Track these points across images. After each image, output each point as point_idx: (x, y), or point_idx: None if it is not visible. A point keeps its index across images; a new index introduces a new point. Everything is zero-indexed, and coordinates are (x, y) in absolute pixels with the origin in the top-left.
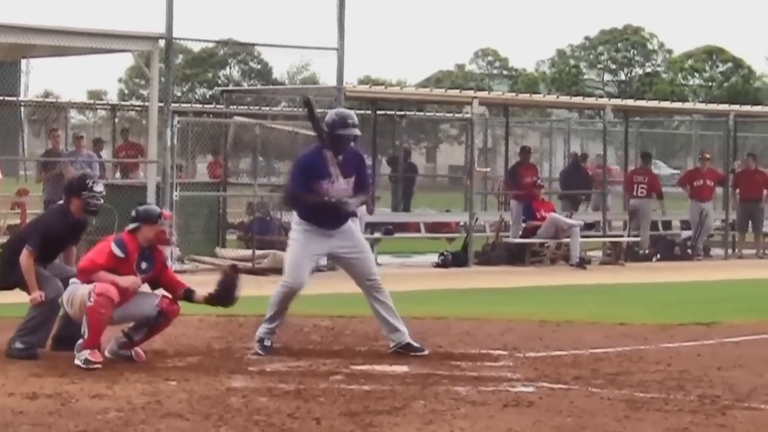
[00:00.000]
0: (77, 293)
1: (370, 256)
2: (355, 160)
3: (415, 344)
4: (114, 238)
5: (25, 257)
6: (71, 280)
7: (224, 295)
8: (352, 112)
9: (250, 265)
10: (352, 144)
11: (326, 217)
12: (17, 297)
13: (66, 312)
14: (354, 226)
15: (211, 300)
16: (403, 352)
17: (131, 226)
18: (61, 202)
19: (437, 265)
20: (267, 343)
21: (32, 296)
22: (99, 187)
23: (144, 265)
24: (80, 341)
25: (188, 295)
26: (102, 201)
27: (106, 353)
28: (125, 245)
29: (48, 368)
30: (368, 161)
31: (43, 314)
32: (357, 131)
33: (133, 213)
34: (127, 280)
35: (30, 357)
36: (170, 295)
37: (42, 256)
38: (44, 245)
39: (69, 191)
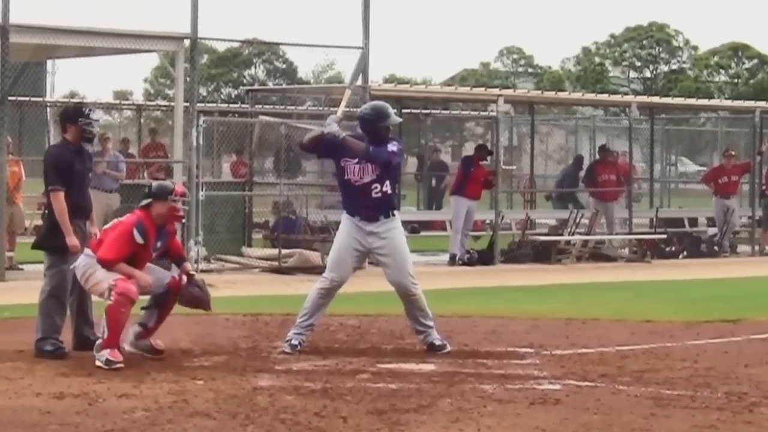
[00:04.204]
0: (95, 274)
1: (400, 260)
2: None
3: (438, 342)
4: (135, 221)
5: (54, 199)
6: (86, 251)
7: (191, 302)
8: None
9: (276, 264)
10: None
11: (363, 208)
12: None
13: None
14: (394, 224)
15: (182, 294)
16: (429, 350)
17: (144, 202)
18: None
19: (463, 263)
20: (295, 342)
21: (70, 244)
22: (95, 114)
23: (158, 244)
24: (99, 341)
25: (178, 263)
26: (97, 129)
27: (127, 347)
28: (146, 230)
29: (75, 368)
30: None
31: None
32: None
33: (147, 189)
34: (145, 279)
35: (59, 357)
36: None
37: (71, 196)
38: (61, 177)
39: (65, 119)
